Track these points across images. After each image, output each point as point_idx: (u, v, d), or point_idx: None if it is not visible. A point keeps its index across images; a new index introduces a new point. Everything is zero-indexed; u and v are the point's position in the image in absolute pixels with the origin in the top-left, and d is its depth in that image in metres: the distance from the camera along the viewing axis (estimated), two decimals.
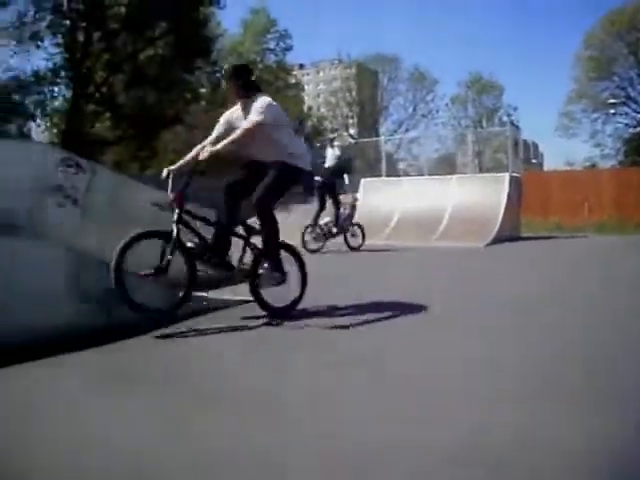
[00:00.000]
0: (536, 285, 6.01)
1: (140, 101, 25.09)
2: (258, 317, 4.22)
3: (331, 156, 10.97)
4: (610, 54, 38.32)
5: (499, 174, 14.19)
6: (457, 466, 1.79)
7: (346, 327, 3.88)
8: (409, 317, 4.23)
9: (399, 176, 18.29)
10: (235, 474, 1.81)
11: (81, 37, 24.23)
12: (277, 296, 4.34)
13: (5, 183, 3.78)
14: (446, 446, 1.92)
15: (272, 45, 44.59)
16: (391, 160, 23.80)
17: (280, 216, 4.49)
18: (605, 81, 39.43)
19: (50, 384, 2.75)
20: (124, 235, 4.63)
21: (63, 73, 25.06)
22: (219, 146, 4.18)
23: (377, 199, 13.94)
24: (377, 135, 39.71)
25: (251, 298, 4.51)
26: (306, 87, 60.30)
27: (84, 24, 23.78)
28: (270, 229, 4.30)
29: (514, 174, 14.03)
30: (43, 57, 32.51)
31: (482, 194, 13.06)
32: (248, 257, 4.41)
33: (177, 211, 4.02)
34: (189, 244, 4.11)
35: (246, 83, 4.39)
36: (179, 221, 4.01)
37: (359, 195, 12.73)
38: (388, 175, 16.00)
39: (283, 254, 4.47)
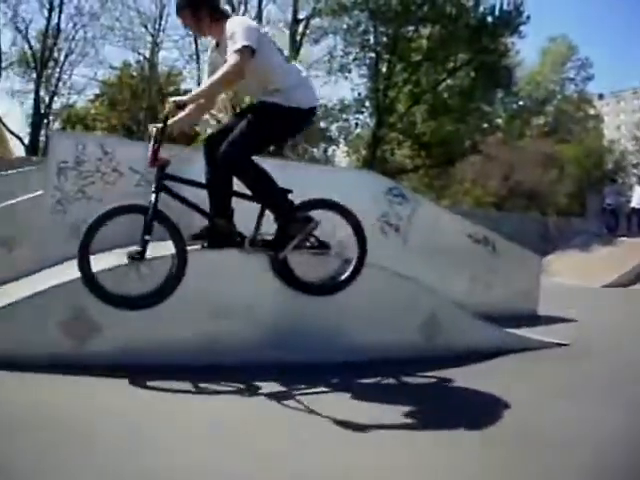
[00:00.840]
0: None
1: (439, 131, 25.80)
2: None
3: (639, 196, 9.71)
4: None
5: None
6: None
7: None
8: None
9: None
10: None
11: (385, 69, 25.84)
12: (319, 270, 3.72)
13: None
14: None
15: (572, 74, 42.02)
16: None
17: None
18: None
19: None
20: (439, 265, 4.57)
21: (367, 102, 26.99)
22: (194, 93, 3.41)
23: None
24: None
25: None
26: (605, 118, 55.32)
27: (388, 56, 25.32)
28: (254, 183, 3.47)
29: None
30: (349, 87, 35.59)
31: None
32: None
33: (156, 175, 3.33)
34: None
35: (212, 9, 3.50)
36: (159, 188, 3.30)
37: None
38: None
39: (330, 214, 3.69)
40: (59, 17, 25.59)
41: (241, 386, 3.21)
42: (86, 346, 3.24)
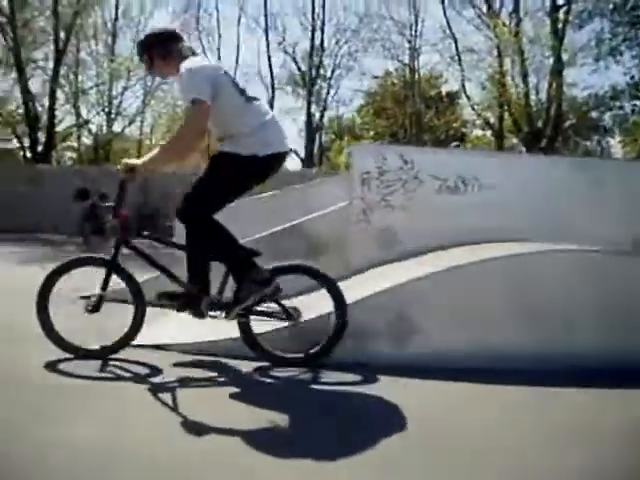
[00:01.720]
0: None
1: None
2: None
3: None
4: None
5: None
6: None
7: None
8: None
9: None
10: None
11: None
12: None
13: None
14: None
15: None
16: None
17: None
18: None
19: None
20: None
21: None
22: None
23: None
24: None
25: None
26: None
27: None
28: (208, 240, 3.16)
29: None
30: (621, 71, 31.88)
31: None
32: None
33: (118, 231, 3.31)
34: None
35: (165, 52, 3.22)
36: (119, 244, 3.24)
37: None
38: None
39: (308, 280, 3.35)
40: (322, 36, 27.84)
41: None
42: (406, 348, 3.33)
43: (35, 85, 23.12)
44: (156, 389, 2.80)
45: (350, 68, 28.61)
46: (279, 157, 3.23)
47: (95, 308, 3.21)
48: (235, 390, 2.92)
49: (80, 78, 23.75)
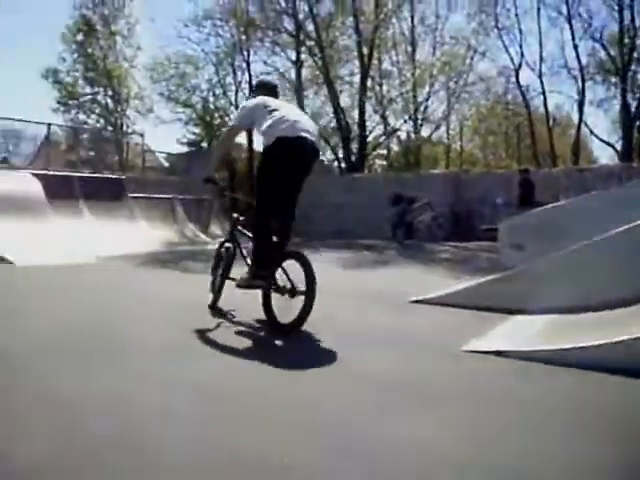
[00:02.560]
0: None
1: None
2: None
3: None
4: None
5: None
6: None
7: None
8: None
9: None
10: None
11: None
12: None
13: None
14: None
15: None
16: None
17: None
18: None
19: None
20: None
21: None
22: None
23: None
24: None
25: None
26: None
27: None
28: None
29: None
30: None
31: None
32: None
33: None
34: None
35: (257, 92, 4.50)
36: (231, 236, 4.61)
37: None
38: None
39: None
40: (632, 14, 23.90)
41: None
42: None
43: (344, 99, 24.93)
44: None
45: None
46: (288, 141, 3.88)
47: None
48: None
49: (385, 88, 24.87)
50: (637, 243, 4.04)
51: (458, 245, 12.43)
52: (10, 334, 3.72)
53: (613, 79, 26.03)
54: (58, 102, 26.53)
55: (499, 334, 3.74)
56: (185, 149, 28.77)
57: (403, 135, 26.15)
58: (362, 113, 23.13)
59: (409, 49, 24.91)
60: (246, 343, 3.63)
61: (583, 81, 25.36)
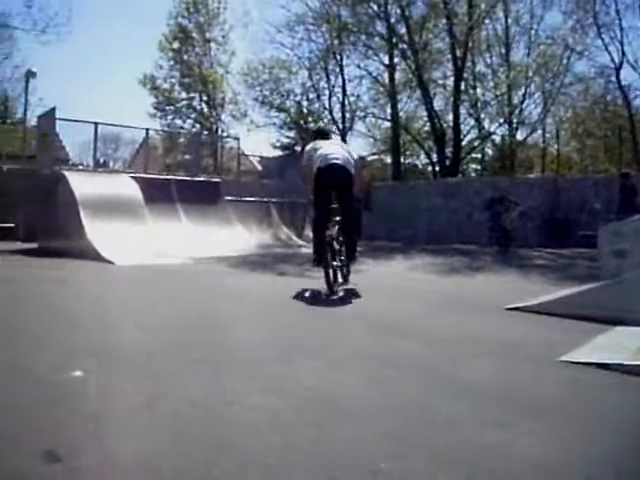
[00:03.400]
0: None
1: None
2: None
3: None
4: None
5: None
6: None
7: None
8: None
9: None
10: None
11: None
12: None
13: None
14: None
15: None
16: None
17: None
18: None
19: None
20: None
21: None
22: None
23: None
24: None
25: None
26: None
27: None
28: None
29: None
30: None
31: None
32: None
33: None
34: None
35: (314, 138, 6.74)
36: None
37: None
38: None
39: None
40: None
41: None
42: None
43: (438, 103, 24.73)
44: None
45: None
46: (322, 169, 5.92)
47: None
48: None
49: (479, 91, 24.49)
50: None
51: (555, 251, 12.10)
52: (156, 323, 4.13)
53: None
54: (155, 107, 27.90)
55: (600, 345, 3.62)
56: (279, 153, 29.54)
57: (498, 139, 25.71)
58: (456, 116, 22.95)
59: (503, 50, 24.38)
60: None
61: None
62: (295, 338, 3.96)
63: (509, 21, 24.33)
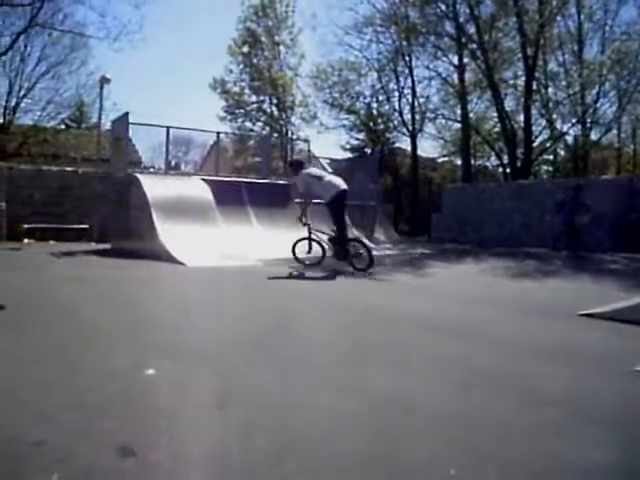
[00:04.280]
0: None
1: None
2: None
3: None
4: None
5: None
6: None
7: None
8: None
9: None
10: None
11: None
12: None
13: None
14: None
15: None
16: None
17: None
18: None
19: None
20: None
21: None
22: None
23: None
24: None
25: None
26: None
27: None
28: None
29: None
30: None
31: None
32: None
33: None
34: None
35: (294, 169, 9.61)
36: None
37: None
38: None
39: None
40: None
41: None
42: None
43: (509, 103, 24.42)
44: None
45: None
46: (341, 192, 8.81)
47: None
48: None
49: (551, 91, 24.01)
50: None
51: (630, 256, 11.87)
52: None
53: None
54: (225, 111, 28.57)
55: None
56: (348, 155, 29.81)
57: (570, 139, 25.11)
58: (528, 117, 22.59)
59: (576, 48, 23.76)
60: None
61: None
62: (365, 341, 4.06)
63: (582, 17, 23.75)
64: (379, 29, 26.49)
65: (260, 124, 28.72)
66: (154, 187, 11.46)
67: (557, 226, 13.32)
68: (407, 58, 26.97)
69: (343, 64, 27.52)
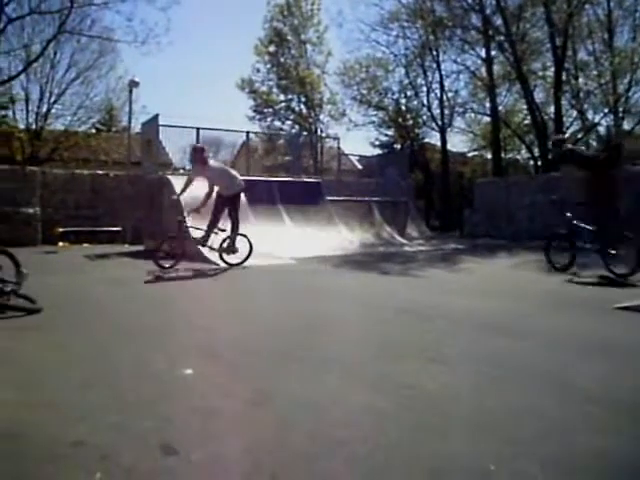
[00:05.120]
0: None
1: None
2: None
3: None
4: None
5: None
6: None
7: None
8: None
9: None
10: None
11: None
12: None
13: None
14: None
15: None
16: None
17: None
18: None
19: None
20: None
21: None
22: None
23: None
24: None
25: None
26: None
27: None
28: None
29: None
30: None
31: None
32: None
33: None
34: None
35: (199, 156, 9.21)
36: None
37: None
38: None
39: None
40: None
41: None
42: None
43: (539, 95, 24.17)
44: None
45: None
46: (237, 192, 9.43)
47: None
48: None
49: (582, 81, 23.66)
50: None
51: None
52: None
53: None
54: (254, 110, 28.83)
55: None
56: (378, 151, 29.88)
57: (602, 129, 24.78)
58: (558, 108, 22.32)
59: (606, 36, 23.30)
60: None
61: None
62: (399, 338, 4.17)
63: (611, 4, 23.23)
64: (405, 24, 26.55)
65: (289, 123, 28.92)
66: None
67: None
68: (434, 52, 26.97)
69: (370, 60, 27.63)
